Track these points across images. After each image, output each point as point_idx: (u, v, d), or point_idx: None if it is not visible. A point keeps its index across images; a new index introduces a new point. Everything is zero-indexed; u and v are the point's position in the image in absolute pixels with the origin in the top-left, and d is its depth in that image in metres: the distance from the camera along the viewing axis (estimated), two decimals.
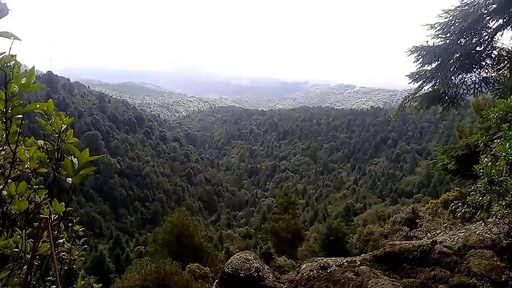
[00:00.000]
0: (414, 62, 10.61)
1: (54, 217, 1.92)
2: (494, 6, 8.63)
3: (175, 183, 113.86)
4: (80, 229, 2.27)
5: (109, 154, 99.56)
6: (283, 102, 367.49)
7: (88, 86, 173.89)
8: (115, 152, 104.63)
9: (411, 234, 13.60)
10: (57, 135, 1.91)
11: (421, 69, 10.58)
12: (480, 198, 3.13)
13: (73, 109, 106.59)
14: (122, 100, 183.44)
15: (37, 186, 2.01)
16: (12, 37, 1.87)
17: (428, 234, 10.33)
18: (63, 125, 1.88)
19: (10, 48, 1.97)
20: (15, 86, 1.81)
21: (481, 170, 3.01)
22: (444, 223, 10.76)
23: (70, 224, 2.23)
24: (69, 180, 1.84)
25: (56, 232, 2.01)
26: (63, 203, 1.92)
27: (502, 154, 2.86)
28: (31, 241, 1.91)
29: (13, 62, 1.85)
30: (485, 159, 3.04)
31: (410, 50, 10.12)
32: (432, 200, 16.78)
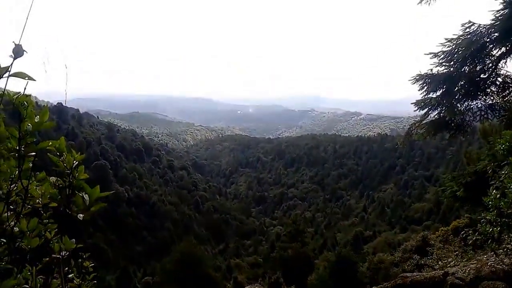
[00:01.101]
0: (419, 90, 10.70)
1: (64, 253, 1.94)
2: (496, 34, 8.75)
3: (183, 212, 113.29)
4: (90, 265, 2.28)
5: (117, 183, 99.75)
6: (290, 130, 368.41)
7: (97, 116, 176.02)
8: (123, 181, 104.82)
9: (422, 262, 13.36)
10: (68, 171, 1.95)
11: (426, 96, 10.65)
12: (490, 229, 3.10)
13: (82, 139, 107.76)
14: (130, 130, 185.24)
15: (48, 221, 2.04)
16: (27, 77, 1.94)
17: (440, 262, 10.14)
18: (74, 161, 1.93)
19: (25, 88, 2.05)
20: (29, 124, 1.87)
21: (490, 203, 3.01)
22: (455, 251, 10.59)
23: (80, 260, 2.25)
24: (80, 216, 1.87)
25: (66, 268, 2.03)
26: (74, 240, 1.95)
27: (510, 186, 2.85)
28: (41, 277, 1.93)
29: (28, 101, 1.92)
30: (494, 191, 3.04)
31: (415, 78, 10.23)
32: (442, 228, 16.56)
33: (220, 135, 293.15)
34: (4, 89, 1.88)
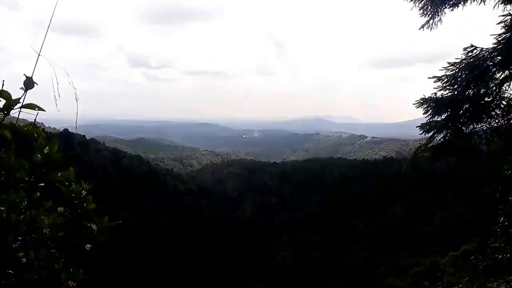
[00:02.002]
0: (424, 113, 10.74)
1: (72, 284, 1.94)
2: (499, 58, 8.82)
3: (189, 238, 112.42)
4: None
5: (123, 209, 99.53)
6: (295, 154, 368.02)
7: (103, 142, 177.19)
8: (129, 207, 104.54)
9: None
10: (77, 201, 1.98)
11: (431, 120, 10.67)
12: (500, 256, 3.06)
13: (89, 165, 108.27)
14: (136, 156, 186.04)
15: (55, 251, 2.05)
16: (37, 108, 1.99)
17: None
18: (83, 192, 1.96)
19: (35, 119, 2.09)
20: (38, 155, 1.91)
21: (498, 230, 2.98)
22: (466, 278, 10.42)
23: None
24: (88, 247, 1.89)
25: None
26: (81, 271, 1.95)
27: None
28: None
29: (38, 132, 1.96)
30: (502, 218, 3.03)
31: (419, 102, 10.28)
32: (451, 252, 16.30)
33: (226, 160, 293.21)
34: (17, 121, 1.92)
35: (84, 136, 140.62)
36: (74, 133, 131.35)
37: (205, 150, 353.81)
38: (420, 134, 11.93)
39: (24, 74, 1.80)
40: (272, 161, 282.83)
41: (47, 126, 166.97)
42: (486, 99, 9.43)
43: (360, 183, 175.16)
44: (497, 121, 10.10)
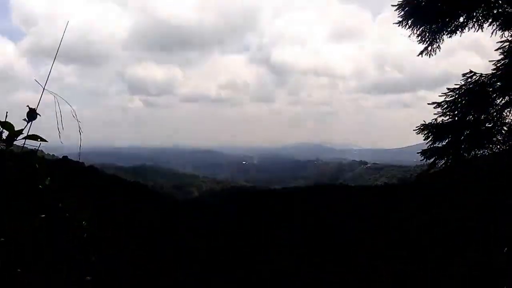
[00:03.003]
0: (424, 139, 10.77)
1: None
2: (498, 84, 8.91)
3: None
4: None
5: (123, 236, 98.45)
6: (296, 181, 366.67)
7: (102, 170, 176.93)
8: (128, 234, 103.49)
9: None
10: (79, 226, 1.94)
11: (432, 146, 10.68)
12: None
13: (87, 192, 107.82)
14: (136, 183, 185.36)
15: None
16: (39, 139, 1.98)
17: None
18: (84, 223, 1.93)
19: (37, 149, 2.07)
20: (40, 186, 1.89)
21: None
22: None
23: None
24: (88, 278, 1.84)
25: None
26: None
27: None
28: None
29: (40, 162, 1.94)
30: None
31: (420, 128, 10.33)
32: None
33: (225, 187, 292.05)
34: (22, 149, 1.91)
35: (83, 163, 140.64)
36: (73, 160, 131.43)
37: (205, 176, 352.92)
38: (421, 160, 11.92)
39: (27, 106, 1.80)
40: (272, 187, 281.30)
41: (46, 153, 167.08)
42: (487, 124, 9.47)
43: (363, 209, 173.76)
44: (498, 147, 10.11)
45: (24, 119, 1.93)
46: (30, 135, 1.88)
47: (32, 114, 1.85)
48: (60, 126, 2.08)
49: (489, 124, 9.52)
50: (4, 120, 1.91)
